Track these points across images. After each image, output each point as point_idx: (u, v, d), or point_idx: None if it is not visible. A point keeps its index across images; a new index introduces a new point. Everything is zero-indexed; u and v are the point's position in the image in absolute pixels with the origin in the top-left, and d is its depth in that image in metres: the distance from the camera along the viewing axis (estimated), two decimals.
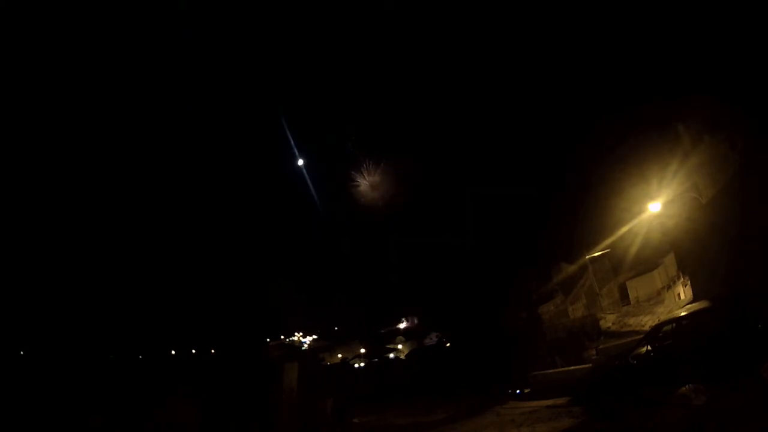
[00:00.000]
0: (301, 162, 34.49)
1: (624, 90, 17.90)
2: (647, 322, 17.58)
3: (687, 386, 6.94)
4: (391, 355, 41.62)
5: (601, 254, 21.88)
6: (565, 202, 20.64)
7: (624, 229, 18.08)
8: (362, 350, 45.51)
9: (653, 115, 15.73)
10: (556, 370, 15.39)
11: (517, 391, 14.43)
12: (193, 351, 46.94)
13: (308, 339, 58.23)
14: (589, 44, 19.90)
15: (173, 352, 45.84)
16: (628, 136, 16.89)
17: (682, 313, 8.64)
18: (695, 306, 9.18)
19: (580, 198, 20.15)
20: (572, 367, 14.25)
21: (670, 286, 20.65)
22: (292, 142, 33.80)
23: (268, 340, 53.49)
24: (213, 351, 46.08)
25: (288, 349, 51.70)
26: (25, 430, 8.95)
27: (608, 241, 19.83)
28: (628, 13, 17.64)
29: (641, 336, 9.72)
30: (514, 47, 23.76)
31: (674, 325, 8.23)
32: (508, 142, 24.08)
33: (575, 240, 21.41)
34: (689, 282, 16.77)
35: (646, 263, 22.21)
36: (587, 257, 21.90)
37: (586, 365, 13.52)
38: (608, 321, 20.78)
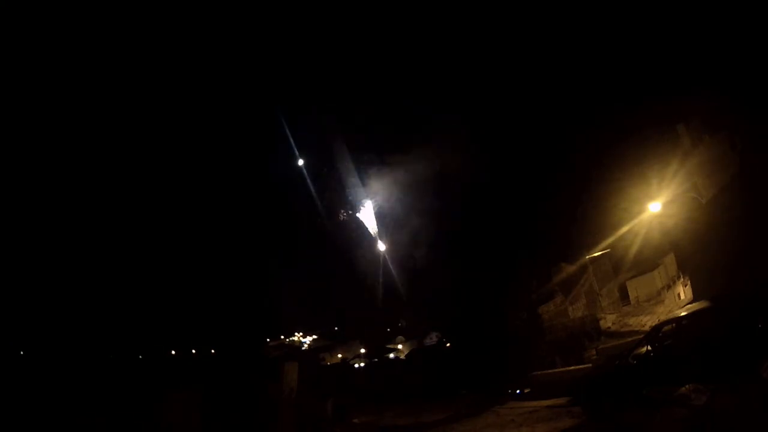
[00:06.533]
0: (301, 162, 34.56)
1: (624, 90, 17.91)
2: (647, 322, 17.58)
3: (687, 386, 6.94)
4: (391, 355, 41.56)
5: (601, 254, 21.86)
6: (564, 202, 20.63)
7: (624, 229, 18.07)
8: (362, 350, 45.41)
9: (653, 115, 15.75)
10: (556, 370, 15.39)
11: (517, 391, 14.42)
12: (193, 351, 46.92)
13: (308, 339, 58.15)
14: (590, 43, 19.90)
15: (173, 352, 45.82)
16: (628, 136, 16.90)
17: (682, 313, 8.64)
18: (695, 306, 9.18)
19: (579, 198, 20.14)
20: (572, 367, 14.26)
21: (670, 286, 20.65)
22: (292, 141, 33.85)
23: (267, 340, 53.44)
24: (213, 351, 46.06)
25: (288, 349, 51.64)
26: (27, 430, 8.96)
27: (608, 241, 19.81)
28: (628, 12, 17.65)
29: (641, 336, 9.71)
30: (515, 46, 23.77)
31: (674, 325, 8.22)
32: (507, 141, 24.05)
33: (575, 240, 21.38)
34: (689, 282, 16.80)
35: (646, 263, 22.20)
36: (587, 257, 21.89)
37: (586, 365, 13.53)
38: (608, 321, 20.77)
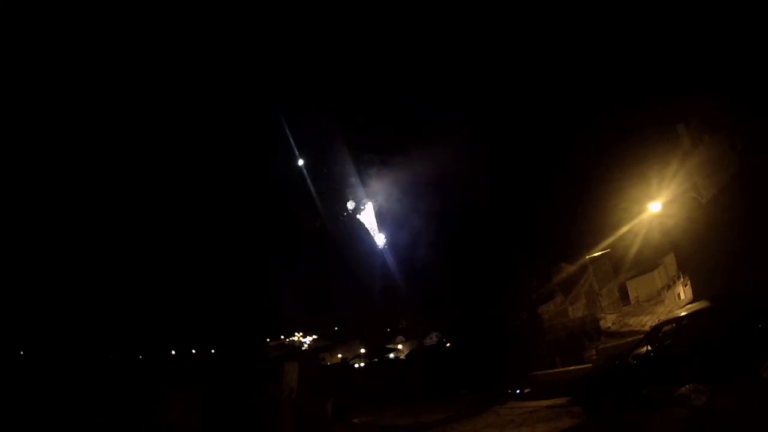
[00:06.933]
0: (301, 162, 34.55)
1: (624, 90, 17.90)
2: (647, 322, 17.58)
3: (687, 386, 6.94)
4: (391, 355, 41.58)
5: (601, 254, 21.85)
6: (564, 202, 20.63)
7: (624, 229, 18.07)
8: (362, 350, 45.43)
9: (653, 115, 15.75)
10: (556, 370, 15.39)
11: (517, 391, 14.42)
12: (193, 351, 46.92)
13: (308, 339, 58.14)
14: (590, 43, 19.89)
15: (173, 352, 45.82)
16: (628, 136, 16.91)
17: (682, 313, 8.64)
18: (695, 306, 9.18)
19: (579, 198, 20.14)
20: (572, 367, 14.26)
21: (670, 286, 20.65)
22: (293, 141, 33.83)
23: (267, 340, 53.45)
24: (213, 351, 46.05)
25: (288, 349, 51.66)
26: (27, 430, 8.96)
27: (608, 241, 19.81)
28: (629, 12, 17.65)
29: (641, 336, 9.71)
30: (515, 46, 23.76)
31: (674, 325, 8.22)
32: (507, 141, 24.05)
33: (575, 240, 21.38)
34: (689, 282, 16.81)
35: (646, 263, 22.19)
36: (587, 257, 21.89)
37: (586, 365, 13.54)
38: (608, 321, 20.77)
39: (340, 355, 46.67)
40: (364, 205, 33.47)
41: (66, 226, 40.18)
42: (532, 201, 22.39)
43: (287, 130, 33.55)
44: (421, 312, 38.12)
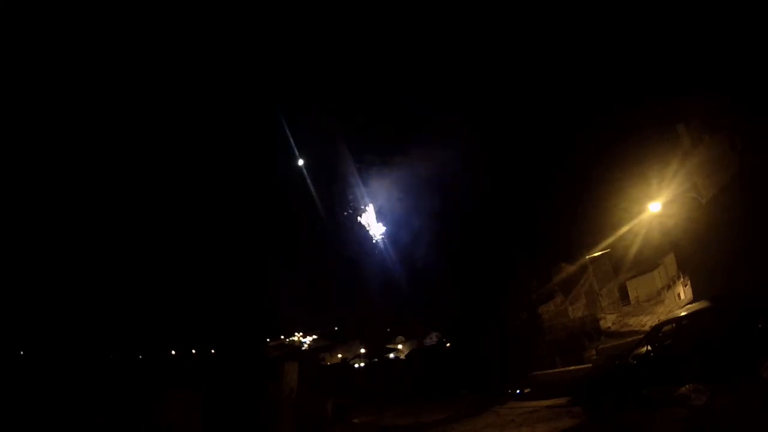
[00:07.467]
0: (301, 162, 34.57)
1: (624, 90, 17.91)
2: (647, 322, 17.58)
3: (687, 386, 6.94)
4: (391, 355, 41.58)
5: (601, 254, 21.85)
6: (564, 202, 20.63)
7: (624, 229, 18.07)
8: (362, 350, 45.44)
9: (653, 115, 15.74)
10: (556, 370, 15.39)
11: (517, 391, 14.42)
12: (193, 351, 46.92)
13: (308, 339, 58.14)
14: (590, 43, 19.90)
15: (173, 352, 45.83)
16: (628, 136, 16.91)
17: (682, 313, 8.63)
18: (695, 306, 9.17)
19: (579, 198, 20.14)
20: (572, 367, 14.26)
21: (670, 286, 20.65)
22: (292, 141, 33.86)
23: (267, 340, 53.44)
24: (213, 351, 46.06)
25: (288, 349, 51.65)
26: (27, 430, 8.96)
27: (608, 241, 19.81)
28: (629, 12, 17.65)
29: (641, 336, 9.71)
30: (515, 46, 23.77)
31: (674, 325, 8.22)
32: (508, 141, 24.05)
33: (575, 240, 21.39)
34: (689, 282, 16.80)
35: (646, 263, 22.20)
36: (587, 257, 21.89)
37: (586, 365, 13.54)
38: (608, 321, 20.77)
39: (340, 355, 46.65)
40: (364, 205, 33.49)
41: (67, 226, 40.24)
42: (532, 201, 22.38)
43: (287, 131, 33.57)
44: (421, 312, 38.12)
